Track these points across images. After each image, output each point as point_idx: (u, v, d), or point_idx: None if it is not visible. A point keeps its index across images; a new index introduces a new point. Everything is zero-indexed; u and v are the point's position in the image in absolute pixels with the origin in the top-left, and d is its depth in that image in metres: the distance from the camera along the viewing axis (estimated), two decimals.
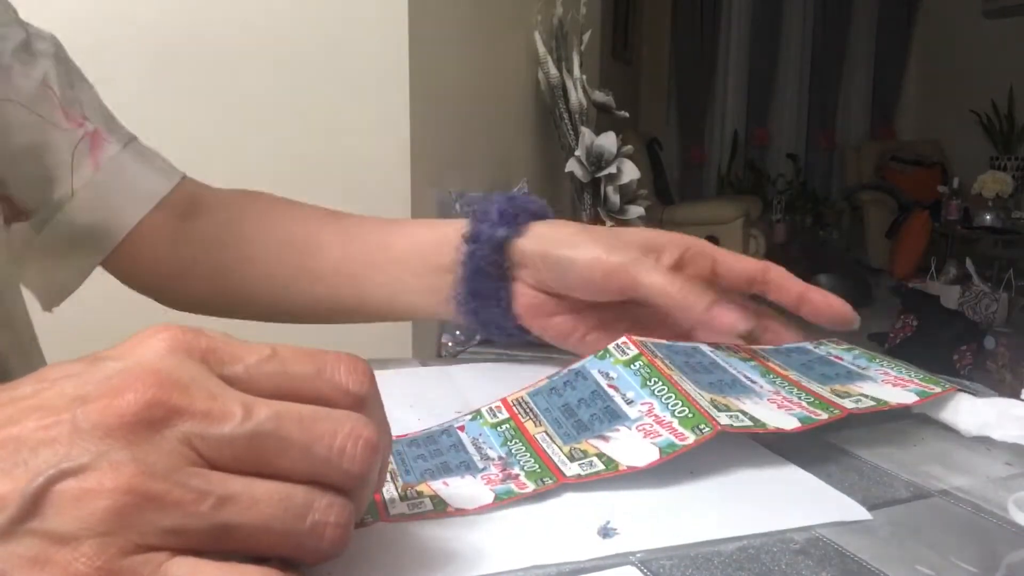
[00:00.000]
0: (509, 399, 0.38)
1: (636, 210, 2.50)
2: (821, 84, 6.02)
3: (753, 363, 0.40)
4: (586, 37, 2.63)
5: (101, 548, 0.19)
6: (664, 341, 0.39)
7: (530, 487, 0.31)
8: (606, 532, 0.28)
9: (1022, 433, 0.36)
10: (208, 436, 0.21)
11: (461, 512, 0.29)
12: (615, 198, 2.48)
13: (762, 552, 0.27)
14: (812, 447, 0.37)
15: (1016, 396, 0.39)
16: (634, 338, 0.38)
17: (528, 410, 0.37)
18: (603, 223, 2.54)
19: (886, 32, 5.85)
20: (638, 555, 0.27)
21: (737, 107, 6.12)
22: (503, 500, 0.30)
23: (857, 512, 0.30)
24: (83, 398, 0.20)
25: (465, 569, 0.25)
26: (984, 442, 0.37)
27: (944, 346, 2.83)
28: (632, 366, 0.37)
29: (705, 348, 0.40)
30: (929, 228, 4.41)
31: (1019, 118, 4.91)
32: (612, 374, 0.37)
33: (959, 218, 4.11)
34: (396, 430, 0.27)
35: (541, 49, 2.52)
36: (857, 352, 0.45)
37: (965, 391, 0.40)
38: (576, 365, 0.39)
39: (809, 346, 0.44)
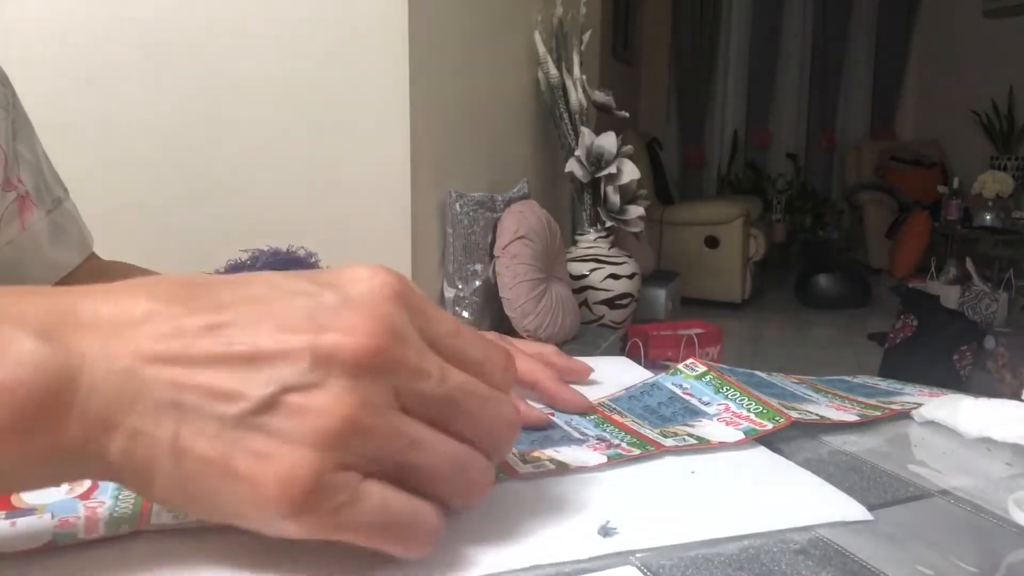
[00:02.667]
0: (594, 402, 0.41)
1: (636, 210, 2.50)
2: (821, 84, 6.02)
3: (803, 386, 0.45)
4: (586, 37, 2.62)
5: (316, 458, 0.22)
6: (723, 366, 0.44)
7: (636, 451, 0.34)
8: (606, 531, 0.28)
9: (1022, 433, 0.36)
10: (412, 389, 0.24)
11: (581, 469, 0.33)
12: (615, 198, 2.48)
13: (762, 552, 0.27)
14: (813, 448, 0.37)
15: (1016, 396, 0.39)
16: (700, 359, 0.44)
17: (612, 409, 0.40)
18: (603, 223, 2.54)
19: (886, 32, 5.85)
20: (638, 555, 0.27)
21: (737, 107, 6.12)
22: (615, 460, 0.33)
23: (858, 512, 0.30)
24: (320, 325, 0.23)
25: (466, 568, 0.25)
26: (984, 442, 0.37)
27: (944, 346, 2.83)
28: (703, 379, 0.42)
29: (759, 373, 0.45)
30: (929, 228, 4.41)
31: (1019, 118, 4.91)
32: (685, 385, 0.42)
33: (959, 218, 4.11)
34: None
35: (541, 49, 2.52)
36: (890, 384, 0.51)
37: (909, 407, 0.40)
38: (649, 380, 0.43)
39: (847, 378, 0.50)
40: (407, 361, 0.24)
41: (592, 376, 0.46)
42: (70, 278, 0.62)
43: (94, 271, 0.65)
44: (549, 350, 0.46)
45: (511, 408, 0.27)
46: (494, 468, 0.27)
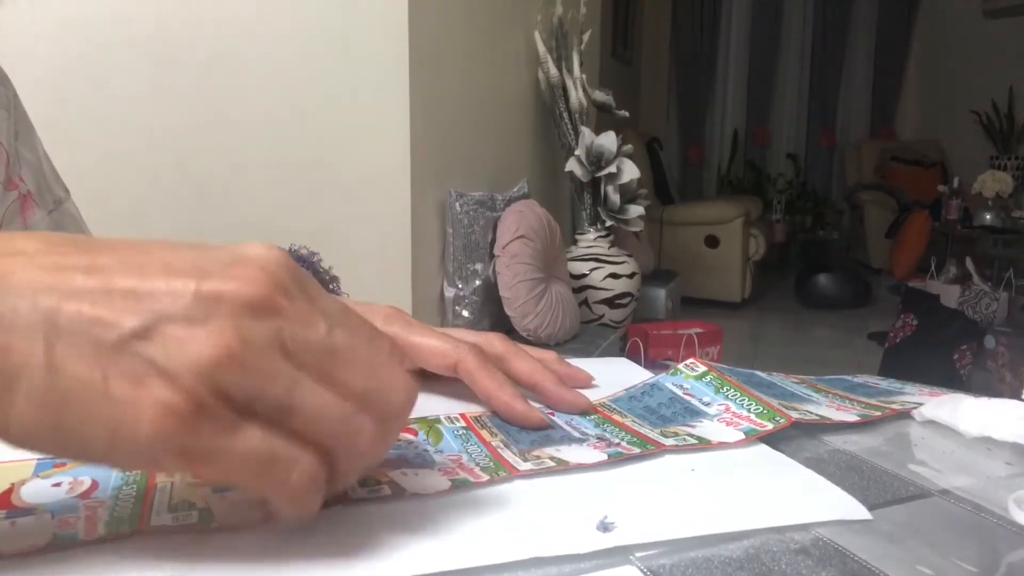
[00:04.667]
0: (594, 403, 0.41)
1: (636, 209, 2.50)
2: (821, 84, 6.02)
3: (804, 386, 0.45)
4: (586, 37, 2.63)
5: (194, 386, 0.22)
6: (724, 366, 0.44)
7: (636, 451, 0.34)
8: (605, 527, 0.28)
9: (1022, 433, 0.36)
10: (296, 337, 0.24)
11: (581, 467, 0.33)
12: (615, 197, 2.48)
13: (762, 552, 0.27)
14: (813, 447, 0.37)
15: (1016, 396, 0.39)
16: (701, 359, 0.44)
17: (612, 409, 0.41)
18: (603, 222, 2.54)
19: (886, 32, 5.85)
20: (638, 555, 0.27)
21: (737, 107, 6.12)
22: (615, 458, 0.34)
23: (858, 511, 0.30)
24: (206, 272, 0.24)
25: (465, 559, 0.25)
26: (984, 442, 0.37)
27: (944, 346, 2.83)
28: (703, 379, 0.42)
29: (760, 373, 0.45)
30: (929, 228, 4.41)
31: (1019, 118, 4.91)
32: (686, 385, 0.42)
33: (959, 218, 4.11)
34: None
35: (541, 49, 2.52)
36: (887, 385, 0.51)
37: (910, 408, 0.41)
38: (649, 380, 0.43)
39: (847, 377, 0.50)
40: (292, 310, 0.24)
41: (592, 379, 0.46)
42: None
43: None
44: (550, 356, 0.46)
45: (403, 372, 0.27)
46: (384, 433, 0.26)
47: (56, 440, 0.23)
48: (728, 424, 0.38)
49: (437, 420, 0.39)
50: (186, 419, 0.22)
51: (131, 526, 0.27)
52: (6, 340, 0.22)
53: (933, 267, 3.52)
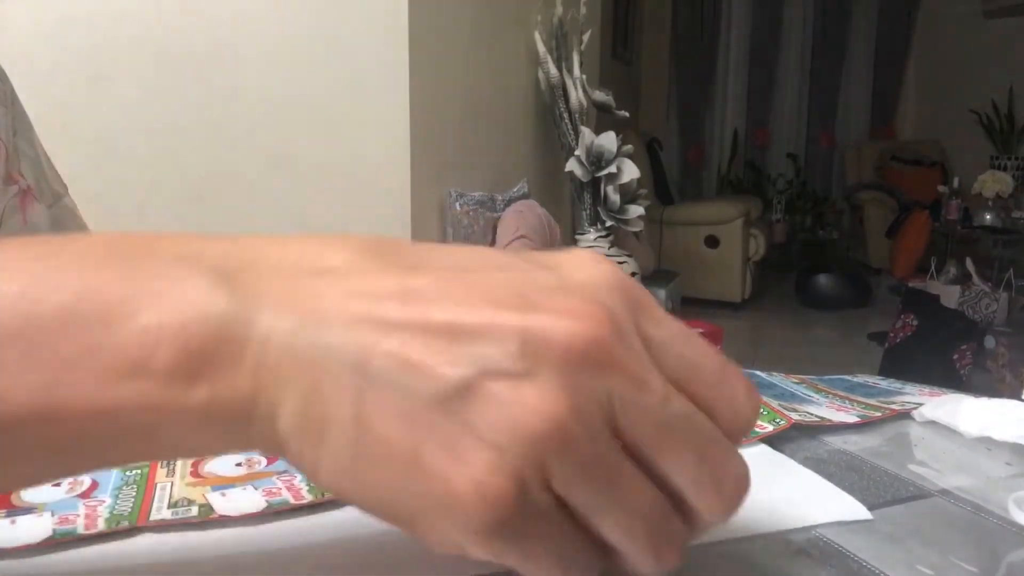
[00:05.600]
0: None
1: (636, 210, 2.50)
2: (821, 84, 6.02)
3: (804, 386, 0.45)
4: (586, 37, 2.62)
5: (520, 466, 0.18)
6: None
7: None
8: None
9: (1022, 433, 0.36)
10: (628, 401, 0.19)
11: None
12: (615, 197, 2.48)
13: (762, 552, 0.27)
14: (813, 447, 0.37)
15: (1016, 396, 0.39)
16: None
17: None
18: (603, 222, 2.54)
19: (886, 32, 5.85)
20: None
21: (737, 107, 6.12)
22: None
23: (858, 512, 0.30)
24: (532, 303, 0.19)
25: (463, 564, 0.25)
26: (984, 442, 0.37)
27: (944, 346, 2.83)
28: None
29: (759, 373, 0.46)
30: (929, 228, 4.41)
31: (1019, 118, 4.91)
32: None
33: (959, 218, 4.10)
34: None
35: (541, 49, 2.52)
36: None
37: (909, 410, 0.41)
38: None
39: (847, 377, 0.51)
40: (627, 364, 0.19)
41: None
42: None
43: None
44: None
45: (741, 461, 0.21)
46: (693, 533, 0.21)
47: (361, 501, 0.20)
48: None
49: None
50: (509, 505, 0.18)
51: (131, 522, 0.27)
52: (318, 386, 0.19)
53: (933, 267, 3.52)
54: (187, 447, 0.21)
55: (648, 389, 0.19)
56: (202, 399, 0.19)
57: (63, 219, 0.63)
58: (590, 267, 0.21)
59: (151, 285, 0.19)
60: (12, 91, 0.59)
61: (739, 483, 0.21)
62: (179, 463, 0.32)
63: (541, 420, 0.18)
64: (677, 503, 0.21)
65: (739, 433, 0.22)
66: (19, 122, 0.59)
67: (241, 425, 0.20)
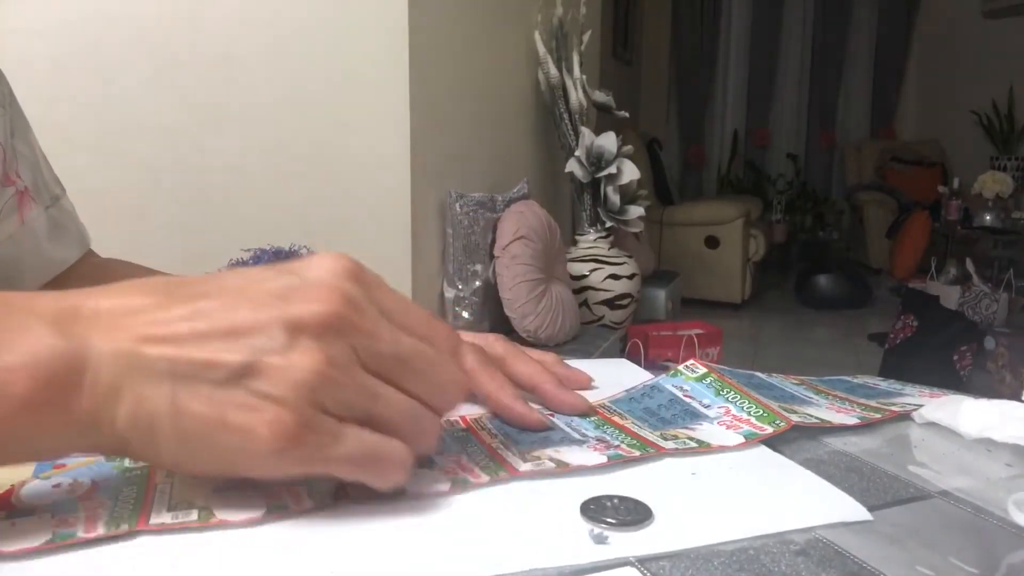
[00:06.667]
0: (594, 404, 0.41)
1: (636, 210, 2.50)
2: (821, 84, 6.02)
3: (804, 387, 0.45)
4: (586, 37, 2.62)
5: (297, 405, 0.26)
6: (724, 367, 0.44)
7: (636, 453, 0.34)
8: (600, 539, 0.28)
9: (1022, 434, 0.36)
10: (369, 348, 0.28)
11: (581, 469, 0.33)
12: (615, 198, 2.48)
13: (762, 553, 0.27)
14: (813, 448, 0.37)
15: (1016, 397, 0.39)
16: (701, 361, 0.44)
17: (612, 411, 0.40)
18: (603, 223, 2.54)
19: (886, 32, 5.85)
20: (637, 555, 0.27)
21: (737, 107, 6.12)
22: (615, 460, 0.34)
23: (858, 512, 0.30)
24: (286, 300, 0.27)
25: (465, 568, 0.25)
26: (984, 443, 0.37)
27: (944, 346, 2.83)
28: (704, 381, 0.42)
29: (759, 374, 0.45)
30: (929, 228, 4.41)
31: (1019, 118, 4.91)
32: (686, 387, 0.42)
33: (959, 218, 4.10)
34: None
35: (541, 49, 2.52)
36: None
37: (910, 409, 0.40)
38: (650, 382, 0.43)
39: (848, 378, 0.50)
40: (362, 324, 0.28)
41: (592, 380, 0.46)
42: (69, 274, 0.62)
43: (93, 268, 0.65)
44: (550, 359, 0.46)
45: (456, 369, 0.31)
46: (441, 421, 0.31)
47: (197, 467, 0.28)
48: (728, 427, 0.37)
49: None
50: (295, 432, 0.26)
51: (131, 525, 0.27)
52: (140, 392, 0.26)
53: (933, 268, 3.52)
54: (53, 450, 0.28)
55: (380, 338, 0.28)
56: (56, 416, 0.26)
57: (61, 220, 0.63)
58: (328, 263, 0.29)
59: (7, 332, 0.26)
60: (10, 92, 0.59)
61: (456, 386, 0.31)
62: None
63: (305, 372, 0.26)
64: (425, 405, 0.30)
65: (452, 351, 0.32)
66: (17, 123, 0.59)
67: (89, 432, 0.26)
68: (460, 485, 0.31)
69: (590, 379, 0.46)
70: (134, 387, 0.26)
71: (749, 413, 0.38)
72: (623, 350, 2.47)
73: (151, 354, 0.26)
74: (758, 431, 0.37)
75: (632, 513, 0.29)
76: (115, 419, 0.26)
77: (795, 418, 0.38)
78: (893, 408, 0.42)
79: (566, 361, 0.47)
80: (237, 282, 0.29)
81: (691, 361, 0.44)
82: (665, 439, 0.36)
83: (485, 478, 0.32)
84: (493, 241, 2.02)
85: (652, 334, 2.51)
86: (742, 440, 0.36)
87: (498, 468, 0.33)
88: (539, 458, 0.34)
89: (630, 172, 2.45)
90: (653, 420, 0.39)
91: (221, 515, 0.28)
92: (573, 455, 0.34)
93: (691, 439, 0.36)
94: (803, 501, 0.31)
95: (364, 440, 0.28)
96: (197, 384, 0.26)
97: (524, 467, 0.33)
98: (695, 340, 2.48)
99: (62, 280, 0.61)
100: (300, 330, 0.27)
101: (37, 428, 0.26)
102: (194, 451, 0.27)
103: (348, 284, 0.29)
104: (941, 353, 2.82)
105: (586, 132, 2.46)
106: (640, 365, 0.50)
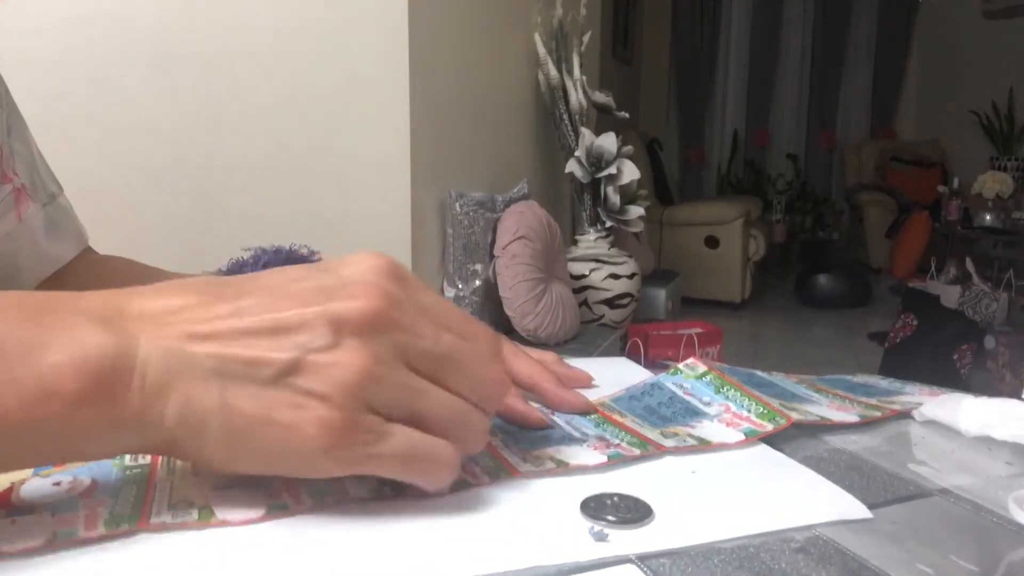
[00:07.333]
0: (594, 402, 0.41)
1: (636, 210, 2.50)
2: (821, 84, 6.02)
3: (804, 385, 0.45)
4: (586, 38, 2.62)
5: (344, 403, 0.26)
6: (724, 365, 0.44)
7: (636, 452, 0.34)
8: (599, 536, 0.28)
9: (1022, 433, 0.36)
10: (411, 346, 0.28)
11: (581, 468, 0.33)
12: (615, 198, 2.48)
13: (762, 551, 0.27)
14: (813, 446, 0.37)
15: (1016, 396, 0.39)
16: (700, 359, 0.44)
17: (612, 409, 0.40)
18: (603, 223, 2.54)
19: (886, 32, 5.85)
20: (637, 553, 0.27)
21: (737, 107, 6.12)
22: (615, 459, 0.34)
23: (858, 511, 0.30)
24: (328, 297, 0.27)
25: (464, 566, 0.25)
26: (984, 441, 0.37)
27: (944, 346, 2.82)
28: (703, 379, 0.42)
29: (759, 372, 0.45)
30: (929, 228, 4.41)
31: (1019, 118, 4.91)
32: (686, 385, 0.42)
33: (959, 218, 4.10)
34: None
35: (541, 50, 2.52)
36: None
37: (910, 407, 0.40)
38: (650, 380, 0.43)
39: (848, 376, 0.50)
40: (404, 322, 0.28)
41: (592, 379, 0.46)
42: (66, 271, 0.62)
43: (91, 265, 0.65)
44: (550, 357, 0.46)
45: (499, 368, 0.31)
46: (489, 420, 0.30)
47: (243, 465, 0.28)
48: (728, 425, 0.37)
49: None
50: (342, 430, 0.26)
51: (131, 524, 0.27)
52: (189, 390, 0.26)
53: (933, 267, 3.52)
54: (100, 451, 0.27)
55: (422, 335, 0.28)
56: (104, 414, 0.26)
57: (58, 218, 0.63)
58: (368, 261, 0.29)
59: (55, 332, 0.26)
60: (7, 91, 0.59)
61: (500, 384, 0.31)
62: (179, 463, 0.32)
63: (351, 370, 0.26)
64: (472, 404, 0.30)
65: (493, 351, 0.31)
66: (13, 121, 0.59)
67: (137, 430, 0.26)
68: (460, 485, 0.31)
69: (590, 378, 0.46)
70: (182, 385, 0.26)
71: (749, 410, 0.39)
72: (623, 349, 2.47)
73: (199, 352, 0.26)
74: (758, 428, 0.37)
75: (632, 511, 0.29)
76: (163, 417, 0.26)
77: (795, 415, 0.38)
78: (893, 406, 0.42)
79: (566, 360, 0.47)
80: (278, 280, 0.29)
81: (691, 359, 0.44)
82: (665, 436, 0.36)
83: (486, 478, 0.32)
84: (493, 241, 2.02)
85: (652, 333, 2.51)
86: (742, 437, 0.36)
87: (499, 469, 0.33)
88: (539, 458, 0.34)
89: (630, 172, 2.45)
90: (653, 418, 0.39)
91: (221, 515, 0.28)
92: (573, 455, 0.34)
93: (691, 436, 0.36)
94: (803, 499, 0.31)
95: (411, 439, 0.28)
96: (244, 382, 0.26)
97: (524, 468, 0.33)
98: (695, 339, 2.48)
99: (59, 277, 0.62)
100: (344, 327, 0.27)
101: (85, 427, 0.26)
102: (241, 449, 0.27)
103: (388, 282, 0.28)
104: (941, 352, 2.82)
105: (586, 132, 2.46)
106: (640, 364, 0.50)
